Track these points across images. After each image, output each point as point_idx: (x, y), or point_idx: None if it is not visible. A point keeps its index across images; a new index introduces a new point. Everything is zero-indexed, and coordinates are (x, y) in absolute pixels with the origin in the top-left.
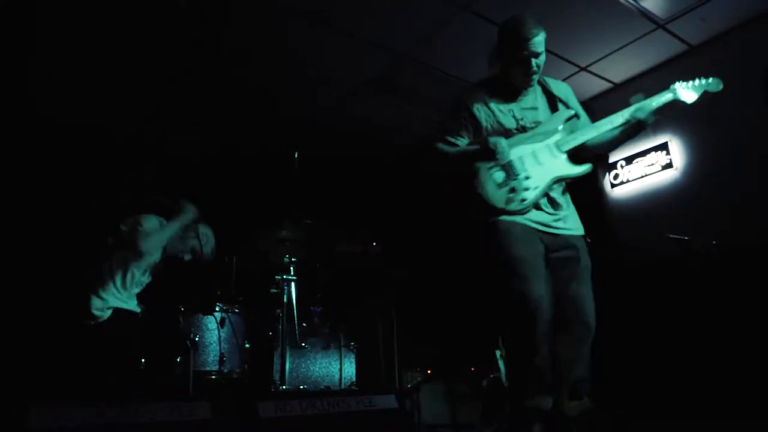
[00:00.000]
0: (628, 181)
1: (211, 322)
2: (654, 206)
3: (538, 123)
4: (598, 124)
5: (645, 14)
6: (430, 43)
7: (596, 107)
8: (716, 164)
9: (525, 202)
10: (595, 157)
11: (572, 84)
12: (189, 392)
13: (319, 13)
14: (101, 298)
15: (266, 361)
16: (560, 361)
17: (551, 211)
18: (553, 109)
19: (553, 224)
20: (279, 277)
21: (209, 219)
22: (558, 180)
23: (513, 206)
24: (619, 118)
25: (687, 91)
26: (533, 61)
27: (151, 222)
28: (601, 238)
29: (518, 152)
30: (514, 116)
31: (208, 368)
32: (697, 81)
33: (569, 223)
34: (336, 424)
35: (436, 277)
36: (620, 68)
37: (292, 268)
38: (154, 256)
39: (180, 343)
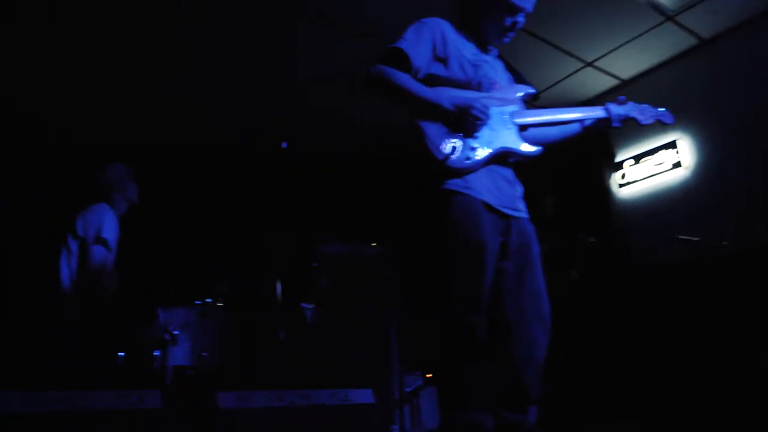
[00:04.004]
0: (635, 181)
1: (191, 316)
2: (663, 206)
3: (494, 84)
4: (555, 110)
5: (653, 6)
6: None
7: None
8: (727, 162)
9: (468, 162)
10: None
11: (578, 80)
12: (167, 385)
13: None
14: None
15: (248, 355)
16: (509, 366)
17: (509, 188)
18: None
19: (515, 204)
20: (263, 272)
21: (202, 217)
22: (505, 152)
23: (455, 161)
24: (577, 113)
25: (628, 114)
26: (519, 18)
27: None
28: (608, 240)
29: None
30: (474, 65)
31: (187, 363)
32: (649, 109)
33: (522, 204)
34: (303, 419)
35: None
36: (628, 63)
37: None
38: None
39: (158, 336)
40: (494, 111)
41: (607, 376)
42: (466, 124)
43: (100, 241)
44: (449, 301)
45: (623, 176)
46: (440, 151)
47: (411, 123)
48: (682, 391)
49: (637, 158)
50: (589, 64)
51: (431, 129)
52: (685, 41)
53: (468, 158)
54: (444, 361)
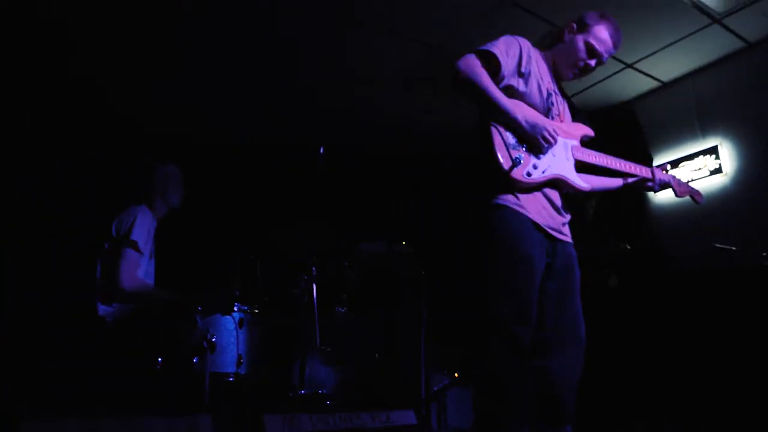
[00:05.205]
0: None
1: (229, 323)
2: (700, 213)
3: (559, 116)
4: (609, 157)
5: (700, 8)
6: (468, 36)
7: (642, 107)
8: None
9: (528, 178)
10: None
11: (617, 81)
12: (205, 392)
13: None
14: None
15: (285, 363)
16: (545, 383)
17: (561, 213)
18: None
19: (561, 229)
20: (301, 278)
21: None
22: (560, 180)
23: (516, 174)
24: (630, 167)
25: (669, 182)
26: (592, 63)
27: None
28: (642, 246)
29: None
30: (549, 92)
31: (225, 370)
32: (686, 185)
33: (568, 230)
34: None
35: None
36: (670, 65)
37: (314, 268)
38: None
39: (197, 343)
40: (560, 140)
41: (639, 380)
42: (536, 142)
43: (130, 243)
44: (499, 312)
45: None
46: (507, 160)
47: (483, 124)
48: (713, 396)
49: (675, 163)
50: (630, 66)
51: (503, 136)
52: (731, 44)
53: (529, 174)
54: (489, 369)
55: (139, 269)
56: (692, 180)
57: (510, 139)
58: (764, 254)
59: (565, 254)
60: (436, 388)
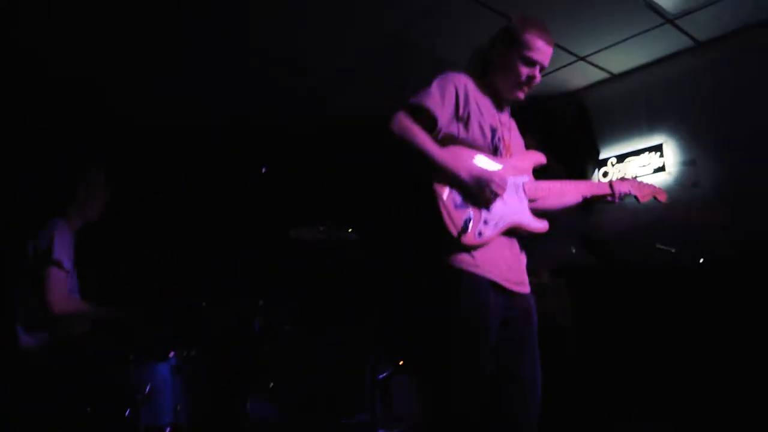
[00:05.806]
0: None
1: (165, 370)
2: (644, 212)
3: (507, 149)
4: (564, 182)
5: (654, 8)
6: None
7: (592, 98)
8: (711, 171)
9: (480, 237)
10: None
11: (568, 72)
12: None
13: None
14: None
15: (228, 407)
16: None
17: (515, 261)
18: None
19: (521, 279)
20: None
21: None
22: (516, 227)
23: (468, 238)
24: (588, 188)
25: (630, 192)
26: (536, 73)
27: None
28: (588, 249)
29: None
30: (493, 128)
31: (161, 422)
32: (647, 186)
33: (526, 277)
34: None
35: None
36: (620, 59)
37: (258, 306)
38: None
39: (129, 393)
40: (510, 181)
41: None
42: (483, 197)
43: (53, 262)
44: (447, 394)
45: (605, 174)
46: (455, 226)
47: (424, 186)
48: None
49: (621, 158)
50: (582, 59)
51: (447, 198)
52: (681, 42)
53: (480, 233)
54: None
55: (67, 288)
56: (638, 176)
57: (455, 198)
58: (701, 261)
59: (523, 305)
60: (381, 377)
